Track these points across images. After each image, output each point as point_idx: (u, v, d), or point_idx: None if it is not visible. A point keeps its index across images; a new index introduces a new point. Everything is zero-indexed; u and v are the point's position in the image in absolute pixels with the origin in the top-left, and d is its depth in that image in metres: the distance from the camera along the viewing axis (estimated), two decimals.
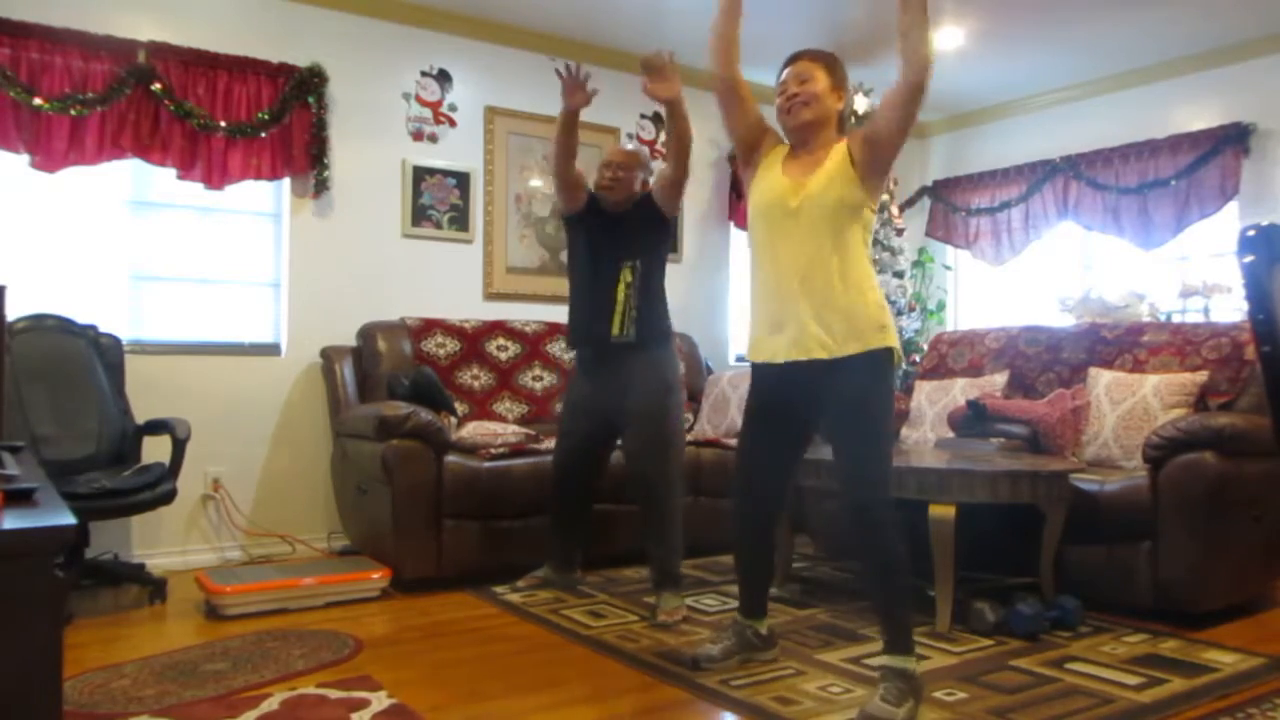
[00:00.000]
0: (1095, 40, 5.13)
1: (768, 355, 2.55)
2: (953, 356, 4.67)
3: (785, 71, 2.58)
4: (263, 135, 4.26)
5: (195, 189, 4.17)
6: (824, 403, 2.48)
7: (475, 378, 4.52)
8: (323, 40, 4.48)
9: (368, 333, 4.41)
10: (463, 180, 4.91)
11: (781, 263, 2.50)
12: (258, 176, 4.28)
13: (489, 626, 3.20)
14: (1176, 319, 4.99)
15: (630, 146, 4.48)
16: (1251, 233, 1.56)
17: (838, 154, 2.48)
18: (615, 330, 3.38)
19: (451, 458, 3.73)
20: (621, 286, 3.39)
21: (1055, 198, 5.89)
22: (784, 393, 2.56)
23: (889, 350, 2.44)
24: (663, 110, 3.45)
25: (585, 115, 5.50)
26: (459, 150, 4.91)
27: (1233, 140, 5.08)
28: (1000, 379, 4.28)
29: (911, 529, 3.06)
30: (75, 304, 3.88)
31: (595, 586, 3.72)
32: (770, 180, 2.55)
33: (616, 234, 3.44)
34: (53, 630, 1.20)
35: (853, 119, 5.50)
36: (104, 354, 3.77)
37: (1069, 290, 5.57)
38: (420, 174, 4.78)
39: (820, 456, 3.08)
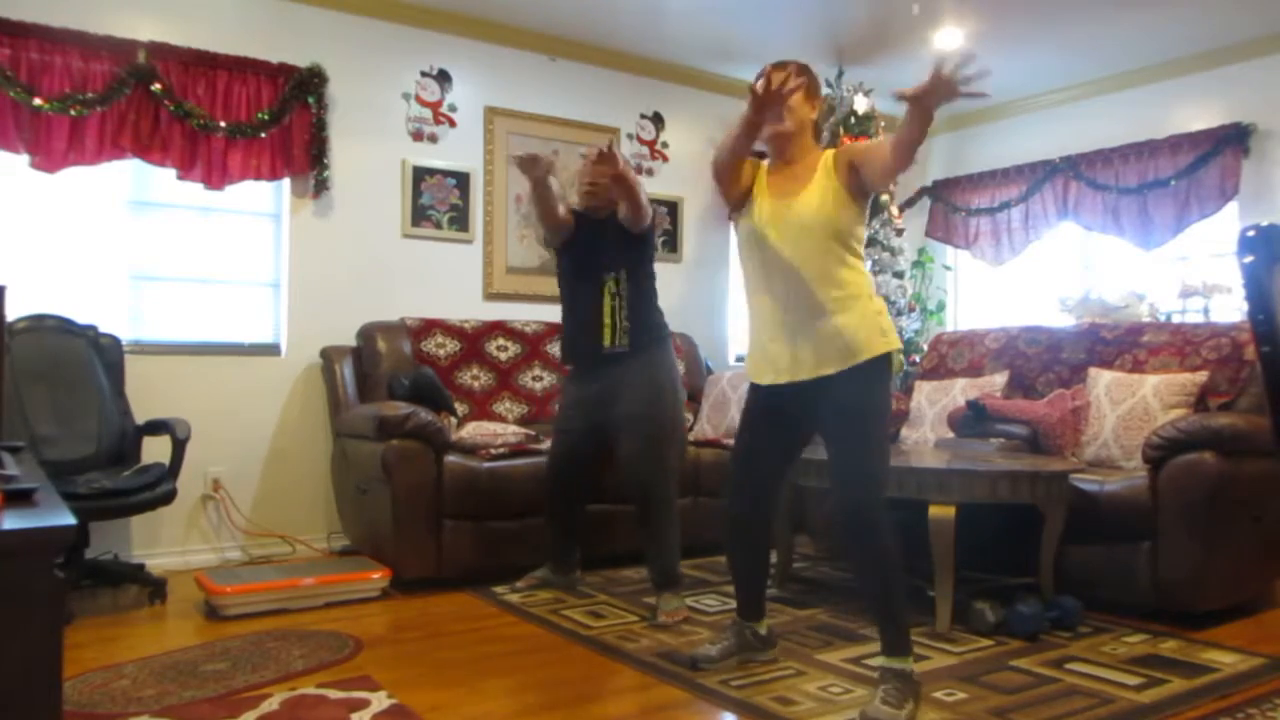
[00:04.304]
0: (1095, 40, 5.12)
1: (770, 377, 2.55)
2: (953, 357, 4.67)
3: (758, 84, 2.47)
4: (262, 135, 4.26)
5: (195, 189, 4.17)
6: (822, 407, 2.48)
7: (475, 378, 4.52)
8: (323, 40, 4.48)
9: (368, 333, 4.41)
10: (463, 180, 4.90)
11: (775, 285, 2.50)
12: (258, 176, 4.27)
13: (489, 626, 3.20)
14: (1176, 319, 4.98)
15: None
16: (1251, 233, 1.56)
17: (822, 170, 2.47)
18: (607, 343, 3.41)
19: (451, 458, 3.73)
20: (607, 298, 3.41)
21: (1055, 198, 5.89)
22: (782, 402, 2.56)
23: (887, 355, 2.44)
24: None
25: (584, 114, 5.50)
26: (459, 150, 4.91)
27: (1233, 140, 5.08)
28: (1000, 379, 4.28)
29: (911, 529, 3.07)
30: (75, 304, 3.88)
31: (595, 586, 3.72)
32: (756, 204, 2.56)
33: (597, 248, 3.46)
34: (53, 630, 1.20)
35: (852, 118, 5.50)
36: (104, 354, 3.77)
37: (1069, 290, 5.56)
38: (420, 174, 4.78)
39: (819, 457, 3.08)
